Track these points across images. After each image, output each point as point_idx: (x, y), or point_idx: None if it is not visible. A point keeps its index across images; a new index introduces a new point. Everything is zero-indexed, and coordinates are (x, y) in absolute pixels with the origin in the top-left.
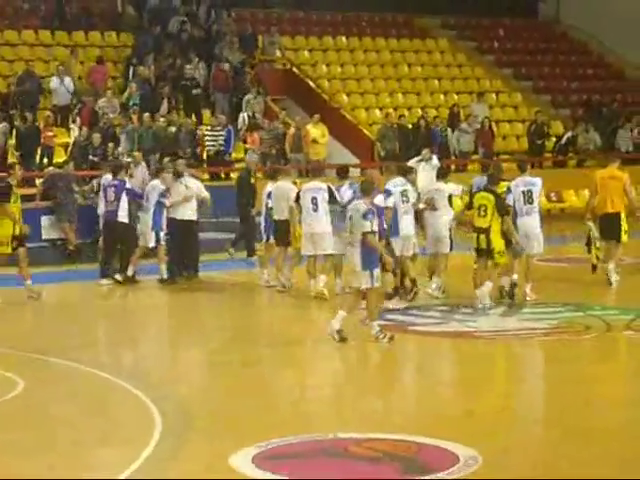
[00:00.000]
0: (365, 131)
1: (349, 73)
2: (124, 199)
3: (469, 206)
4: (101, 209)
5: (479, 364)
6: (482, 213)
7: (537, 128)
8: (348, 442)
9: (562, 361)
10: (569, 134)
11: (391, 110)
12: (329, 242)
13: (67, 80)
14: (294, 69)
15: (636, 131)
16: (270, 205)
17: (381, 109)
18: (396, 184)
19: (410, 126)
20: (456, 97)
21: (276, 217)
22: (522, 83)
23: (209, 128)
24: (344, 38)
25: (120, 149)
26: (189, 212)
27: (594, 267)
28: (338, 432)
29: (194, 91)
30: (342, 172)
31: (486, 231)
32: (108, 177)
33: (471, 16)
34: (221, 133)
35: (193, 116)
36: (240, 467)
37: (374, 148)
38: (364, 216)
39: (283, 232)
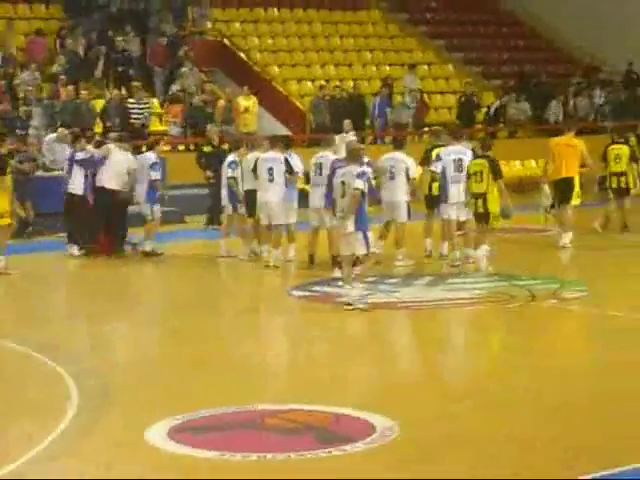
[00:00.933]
0: (297, 103)
1: (281, 45)
2: (76, 171)
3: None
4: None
5: (401, 334)
6: (478, 179)
7: (466, 99)
8: (266, 413)
9: (484, 330)
10: (497, 104)
11: (323, 82)
12: (283, 212)
13: None
14: (225, 41)
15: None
16: (230, 175)
17: (313, 81)
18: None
19: (343, 97)
20: (388, 69)
21: (247, 187)
22: (454, 55)
23: (133, 101)
24: (276, 10)
25: (35, 123)
26: (116, 183)
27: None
28: (257, 403)
29: (121, 68)
30: (287, 142)
31: (483, 196)
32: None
33: None
34: (147, 106)
35: (124, 89)
36: (154, 440)
37: (306, 120)
38: (358, 176)
39: (253, 202)
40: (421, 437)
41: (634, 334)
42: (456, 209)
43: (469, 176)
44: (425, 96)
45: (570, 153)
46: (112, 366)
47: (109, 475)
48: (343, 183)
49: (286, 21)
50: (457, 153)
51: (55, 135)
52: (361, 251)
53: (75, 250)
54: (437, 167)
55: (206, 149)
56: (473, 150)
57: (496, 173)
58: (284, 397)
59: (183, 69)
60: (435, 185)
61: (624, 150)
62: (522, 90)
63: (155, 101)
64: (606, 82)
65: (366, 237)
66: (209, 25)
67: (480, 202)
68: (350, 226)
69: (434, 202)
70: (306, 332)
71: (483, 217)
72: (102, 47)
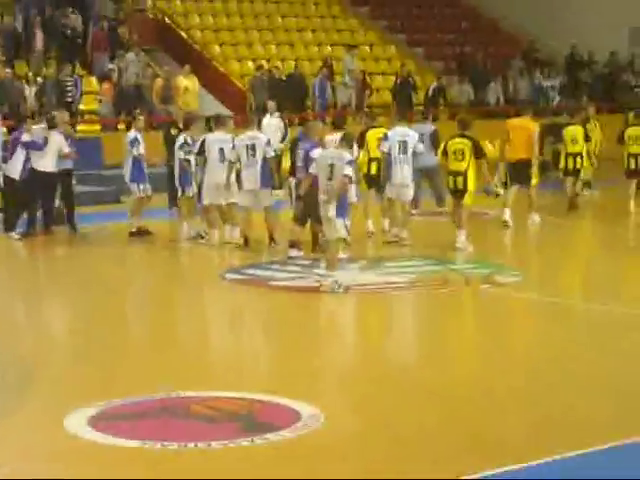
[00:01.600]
0: (237, 83)
1: (221, 24)
2: (18, 152)
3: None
4: None
5: (332, 319)
6: (459, 157)
7: (403, 81)
8: (190, 401)
9: (416, 315)
10: (434, 85)
11: (264, 62)
12: (233, 192)
13: None
14: (166, 19)
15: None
16: (184, 157)
17: (254, 60)
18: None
19: (283, 77)
20: (330, 49)
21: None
22: (396, 36)
23: (70, 79)
24: None
25: None
26: (50, 164)
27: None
28: (181, 390)
29: (59, 45)
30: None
31: (464, 174)
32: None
33: None
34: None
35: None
36: (73, 428)
37: (246, 100)
38: (349, 162)
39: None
40: (345, 426)
41: (568, 320)
42: (399, 189)
43: (447, 154)
44: (367, 77)
45: (524, 135)
46: (37, 350)
47: (24, 459)
48: (332, 166)
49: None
50: (402, 135)
51: None
52: (343, 234)
53: (15, 235)
54: (385, 147)
55: (173, 131)
56: (436, 130)
57: (478, 152)
58: (210, 384)
59: (121, 52)
60: (374, 165)
61: (579, 131)
62: (463, 72)
63: (93, 80)
64: (546, 63)
65: (345, 224)
66: (149, 3)
67: (460, 179)
68: (332, 210)
69: (374, 182)
70: (235, 317)
71: (460, 194)
72: (39, 23)
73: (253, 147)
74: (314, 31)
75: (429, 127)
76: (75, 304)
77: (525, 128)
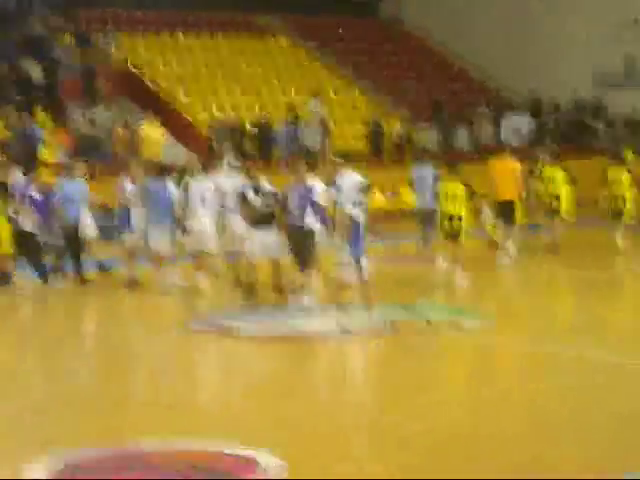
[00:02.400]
0: (203, 131)
1: (186, 72)
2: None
3: None
4: None
5: (297, 369)
6: (453, 200)
7: (374, 128)
8: (150, 454)
9: (383, 363)
10: (399, 131)
11: (229, 109)
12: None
13: None
14: (131, 68)
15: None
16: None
17: (220, 109)
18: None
19: (247, 126)
20: (294, 96)
21: None
22: (362, 82)
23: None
24: (181, 35)
25: None
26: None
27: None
28: (142, 442)
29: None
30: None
31: (459, 216)
32: None
33: (312, 15)
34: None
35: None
36: None
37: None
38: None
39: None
40: (309, 474)
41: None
42: None
43: (437, 196)
44: (330, 122)
45: (507, 175)
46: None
47: None
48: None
49: (193, 48)
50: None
51: None
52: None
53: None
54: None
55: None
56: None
57: (471, 194)
58: (171, 434)
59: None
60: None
61: (557, 172)
62: (433, 119)
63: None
64: (509, 107)
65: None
66: (113, 51)
67: (456, 222)
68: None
69: None
70: (198, 366)
71: (457, 235)
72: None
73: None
74: (279, 79)
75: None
76: (34, 352)
77: (506, 168)
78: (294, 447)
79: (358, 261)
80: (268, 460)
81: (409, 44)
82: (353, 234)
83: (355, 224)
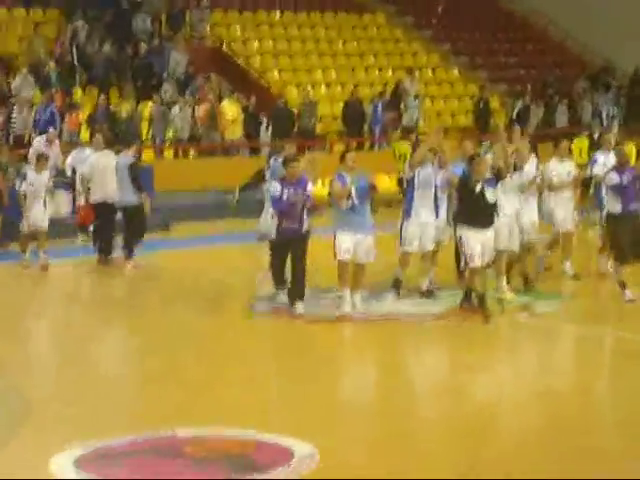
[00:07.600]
0: (294, 110)
1: (282, 49)
2: None
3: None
4: None
5: (350, 352)
6: None
7: (482, 104)
8: (183, 440)
9: (435, 347)
10: (519, 106)
11: (323, 87)
12: None
13: None
14: (223, 46)
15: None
16: None
17: (313, 86)
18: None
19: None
20: (391, 73)
21: None
22: (459, 58)
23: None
24: (278, 13)
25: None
26: None
27: None
28: (176, 428)
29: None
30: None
31: None
32: None
33: None
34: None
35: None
36: (60, 470)
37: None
38: None
39: None
40: (340, 467)
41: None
42: None
43: None
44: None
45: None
46: (36, 384)
47: None
48: None
49: (288, 25)
50: None
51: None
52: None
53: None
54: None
55: None
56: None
57: None
58: (203, 421)
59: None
60: None
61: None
62: (536, 94)
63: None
64: (610, 86)
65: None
66: (207, 30)
67: None
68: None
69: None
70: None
71: None
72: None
73: None
74: (376, 55)
75: None
76: (77, 337)
77: None
78: (324, 436)
79: None
80: (301, 448)
81: (507, 18)
82: None
83: None
